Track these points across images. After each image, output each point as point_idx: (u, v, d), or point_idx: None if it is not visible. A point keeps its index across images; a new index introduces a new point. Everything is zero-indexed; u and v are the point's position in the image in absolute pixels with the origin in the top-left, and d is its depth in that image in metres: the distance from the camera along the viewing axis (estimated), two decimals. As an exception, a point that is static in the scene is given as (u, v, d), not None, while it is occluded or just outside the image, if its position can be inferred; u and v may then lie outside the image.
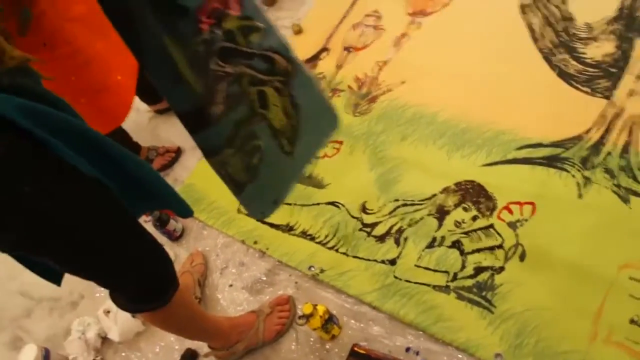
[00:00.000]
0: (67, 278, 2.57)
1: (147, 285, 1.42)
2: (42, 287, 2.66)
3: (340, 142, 2.36)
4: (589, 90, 2.02)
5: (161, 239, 2.40)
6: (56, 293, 2.59)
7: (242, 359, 1.96)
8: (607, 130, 1.91)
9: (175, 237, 2.42)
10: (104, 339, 2.30)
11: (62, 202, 1.12)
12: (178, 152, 2.83)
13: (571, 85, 2.07)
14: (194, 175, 2.65)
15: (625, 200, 1.74)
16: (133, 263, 1.34)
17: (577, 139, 1.93)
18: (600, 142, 1.89)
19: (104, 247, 1.24)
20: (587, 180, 1.83)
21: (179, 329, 1.73)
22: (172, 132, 2.96)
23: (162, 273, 1.45)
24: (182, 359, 2.05)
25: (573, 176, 1.85)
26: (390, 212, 2.05)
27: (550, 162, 1.92)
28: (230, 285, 2.19)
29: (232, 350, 1.92)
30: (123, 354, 2.23)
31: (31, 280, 2.67)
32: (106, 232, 1.24)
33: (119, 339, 2.22)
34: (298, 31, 2.97)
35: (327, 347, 1.86)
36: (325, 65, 2.73)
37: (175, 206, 1.37)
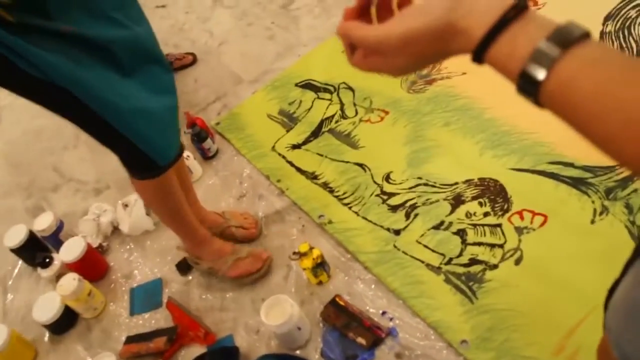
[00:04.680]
0: (98, 166, 2.70)
1: (138, 158, 1.60)
2: (74, 169, 2.80)
3: (387, 112, 2.41)
4: (636, 128, 2.02)
5: (195, 154, 2.50)
6: (85, 177, 2.72)
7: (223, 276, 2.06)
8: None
9: (208, 155, 2.51)
10: (115, 229, 2.42)
11: None
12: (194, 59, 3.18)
13: (621, 119, 2.07)
14: (243, 106, 2.73)
15: (635, 238, 1.76)
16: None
17: (609, 169, 1.94)
18: (630, 179, 1.89)
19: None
20: (605, 209, 1.84)
21: (158, 207, 1.89)
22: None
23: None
24: (178, 264, 2.15)
25: (592, 202, 1.87)
26: (411, 188, 2.09)
27: (576, 183, 1.93)
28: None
29: (198, 261, 2.04)
30: (128, 246, 2.34)
31: (67, 160, 2.82)
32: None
33: (128, 231, 2.33)
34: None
35: (312, 290, 1.93)
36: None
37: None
